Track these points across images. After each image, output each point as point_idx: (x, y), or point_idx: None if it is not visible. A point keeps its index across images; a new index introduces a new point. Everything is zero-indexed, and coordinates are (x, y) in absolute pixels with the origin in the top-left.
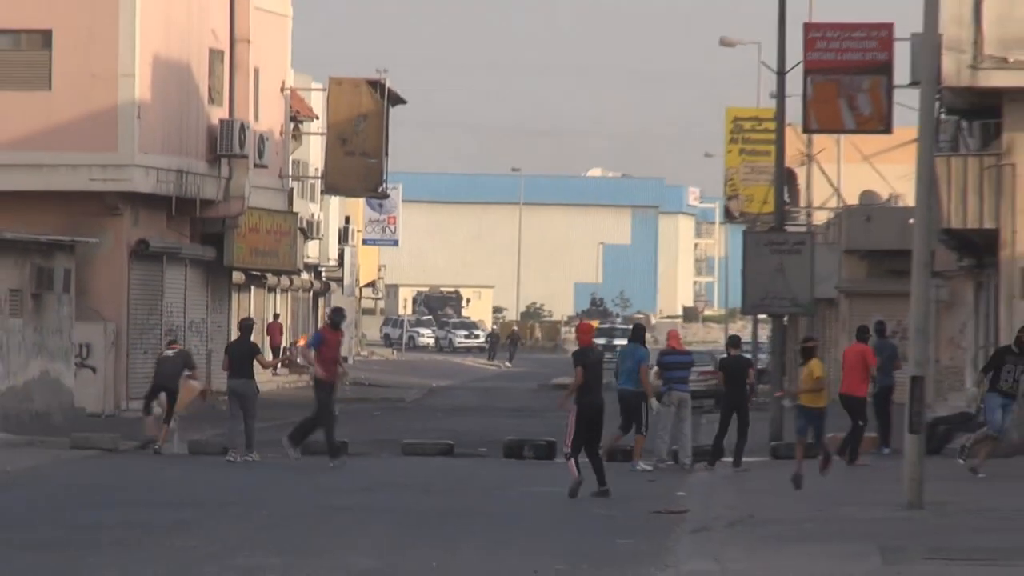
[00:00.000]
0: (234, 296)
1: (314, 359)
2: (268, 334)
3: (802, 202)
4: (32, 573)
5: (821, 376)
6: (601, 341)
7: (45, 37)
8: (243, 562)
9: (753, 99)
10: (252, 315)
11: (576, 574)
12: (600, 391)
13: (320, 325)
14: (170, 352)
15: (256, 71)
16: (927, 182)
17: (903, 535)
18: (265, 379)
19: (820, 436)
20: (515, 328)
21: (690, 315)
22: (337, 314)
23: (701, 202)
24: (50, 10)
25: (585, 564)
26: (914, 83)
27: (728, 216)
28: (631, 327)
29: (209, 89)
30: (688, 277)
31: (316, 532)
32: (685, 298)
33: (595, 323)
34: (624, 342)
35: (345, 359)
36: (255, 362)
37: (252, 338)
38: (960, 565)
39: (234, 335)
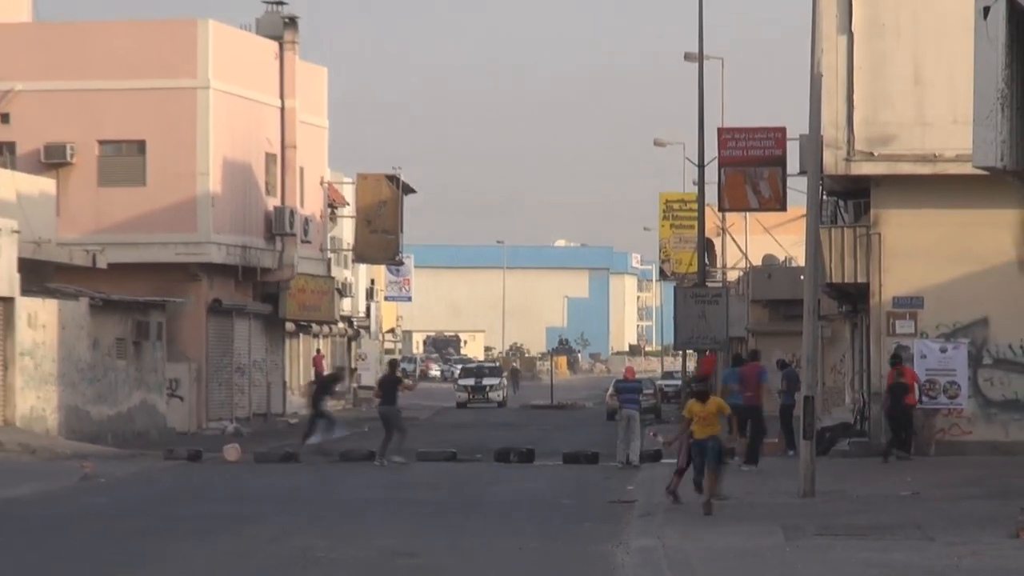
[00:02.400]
0: (287, 341)
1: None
2: (314, 364)
3: (718, 264)
4: (133, 554)
5: (723, 409)
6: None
7: (140, 146)
8: (298, 544)
9: (680, 186)
10: (300, 355)
11: (552, 550)
12: None
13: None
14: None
15: (301, 169)
16: (813, 247)
17: (800, 517)
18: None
19: (712, 470)
20: (515, 365)
21: (634, 351)
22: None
23: (642, 264)
24: (144, 125)
25: (558, 542)
26: (802, 172)
27: (662, 275)
28: (496, 365)
29: (265, 183)
30: (632, 322)
31: (353, 520)
32: (630, 338)
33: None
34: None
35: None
36: (399, 389)
37: (306, 366)
38: (843, 539)
39: (288, 371)
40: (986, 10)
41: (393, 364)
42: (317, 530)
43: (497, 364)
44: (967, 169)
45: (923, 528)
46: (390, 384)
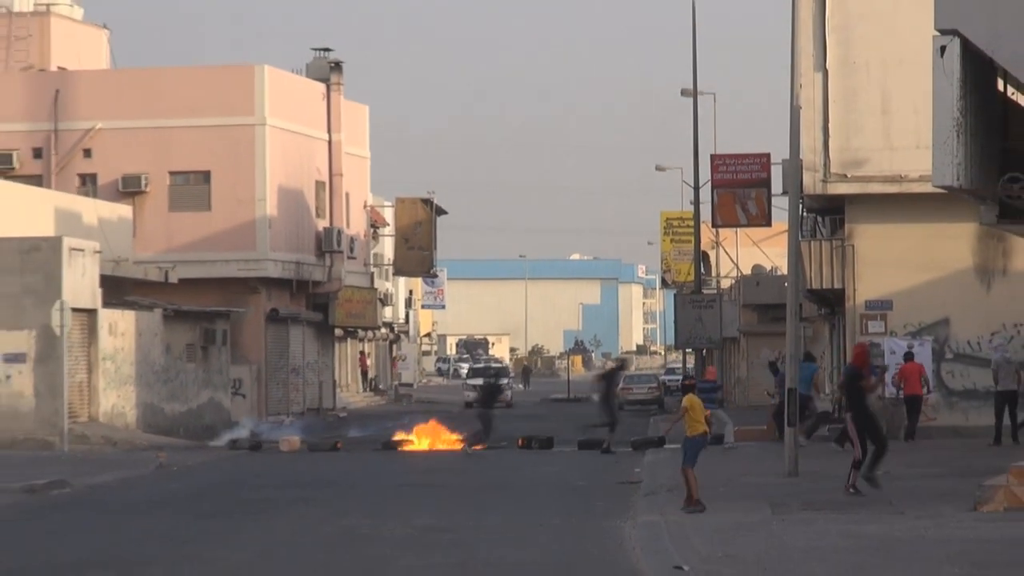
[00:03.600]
0: (336, 345)
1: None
2: (360, 364)
3: (713, 273)
4: (205, 532)
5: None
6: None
7: (206, 176)
8: (346, 523)
9: (679, 205)
10: (348, 357)
11: (569, 525)
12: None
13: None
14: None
15: (347, 195)
16: (795, 258)
17: (786, 494)
18: (359, 399)
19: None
20: (526, 363)
21: (641, 350)
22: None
23: (646, 275)
24: (209, 158)
25: (573, 518)
26: (785, 192)
27: (664, 284)
28: (504, 365)
29: (315, 207)
30: (639, 325)
31: (393, 502)
32: (637, 339)
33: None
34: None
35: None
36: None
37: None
38: (823, 513)
39: (337, 371)
40: (943, 49)
41: (498, 375)
42: (363, 510)
43: (505, 364)
44: (929, 188)
45: (894, 503)
46: (492, 391)
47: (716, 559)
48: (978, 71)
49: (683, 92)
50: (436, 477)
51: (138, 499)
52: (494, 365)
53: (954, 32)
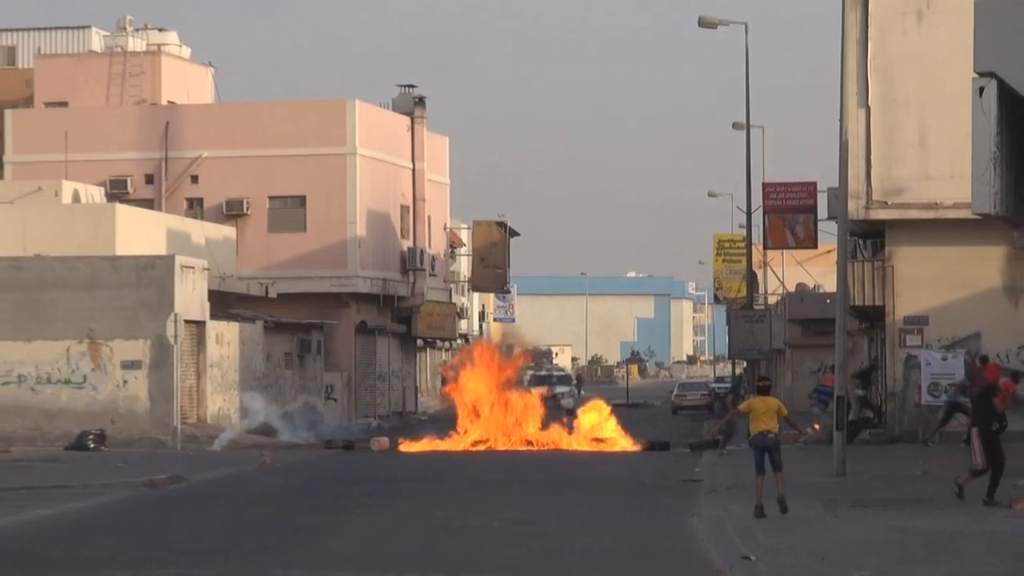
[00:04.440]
0: (418, 355)
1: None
2: (442, 371)
3: (761, 291)
4: (312, 523)
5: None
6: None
7: (301, 200)
8: (437, 516)
9: (729, 228)
10: (428, 365)
11: (640, 519)
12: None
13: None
14: None
15: (429, 218)
16: (843, 280)
17: (835, 492)
18: (438, 404)
19: (778, 465)
20: (579, 372)
21: (691, 361)
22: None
23: (696, 291)
24: (304, 183)
25: (644, 513)
26: (831, 218)
27: (716, 300)
28: (566, 373)
29: (400, 229)
30: (689, 337)
31: (480, 496)
32: (688, 350)
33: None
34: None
35: None
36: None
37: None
38: (871, 510)
39: (419, 378)
40: (981, 89)
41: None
42: (453, 504)
43: (566, 372)
44: (963, 214)
45: (935, 501)
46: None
47: (778, 550)
48: (1013, 109)
49: (735, 125)
50: (516, 474)
51: (247, 493)
52: (556, 373)
53: (992, 74)
